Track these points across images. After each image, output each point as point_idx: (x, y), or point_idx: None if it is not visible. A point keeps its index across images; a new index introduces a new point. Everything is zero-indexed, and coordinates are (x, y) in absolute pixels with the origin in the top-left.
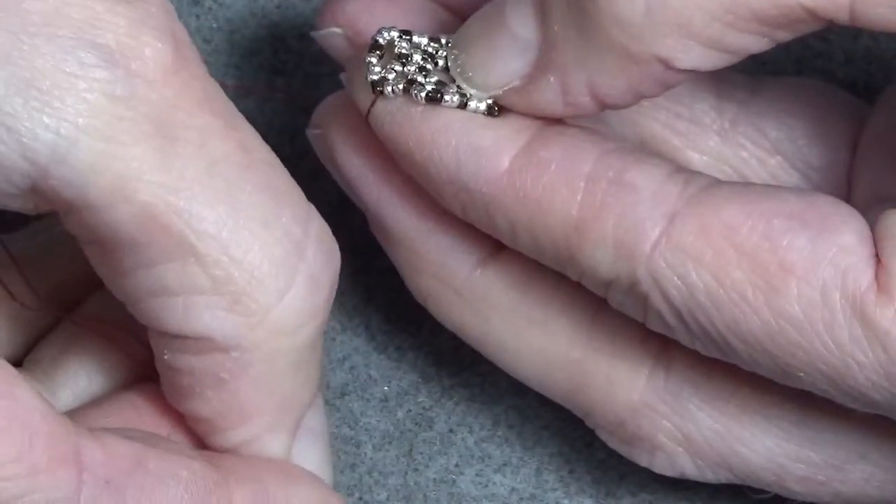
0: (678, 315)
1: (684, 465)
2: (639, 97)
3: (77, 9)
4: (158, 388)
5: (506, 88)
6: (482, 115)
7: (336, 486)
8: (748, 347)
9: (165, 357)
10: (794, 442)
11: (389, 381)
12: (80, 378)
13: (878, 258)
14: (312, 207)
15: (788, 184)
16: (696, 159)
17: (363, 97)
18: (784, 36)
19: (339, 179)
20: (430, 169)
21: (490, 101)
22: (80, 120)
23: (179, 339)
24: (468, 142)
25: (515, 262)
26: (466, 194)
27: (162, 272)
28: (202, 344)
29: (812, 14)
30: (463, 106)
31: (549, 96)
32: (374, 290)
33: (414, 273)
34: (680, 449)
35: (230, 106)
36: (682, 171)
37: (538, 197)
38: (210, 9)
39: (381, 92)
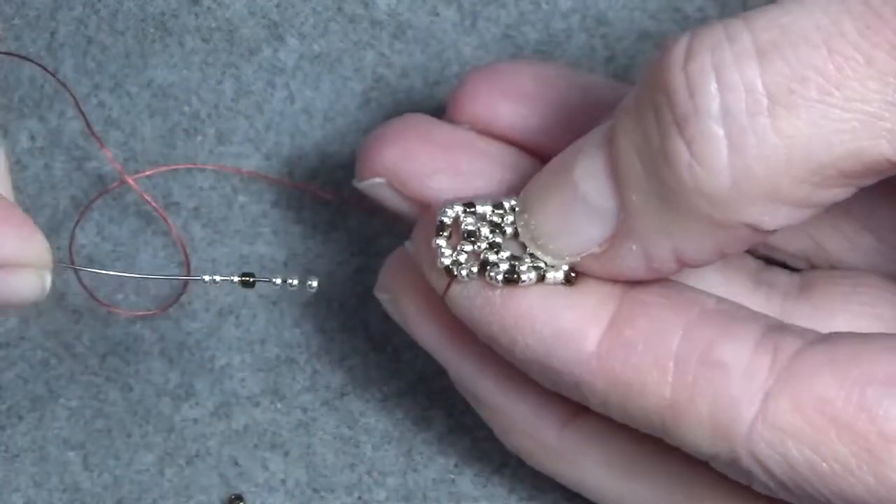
0: (783, 486)
1: None
2: (724, 256)
3: None
4: None
5: (583, 255)
6: (561, 287)
7: (335, 486)
8: None
9: None
10: None
11: (388, 382)
12: None
13: None
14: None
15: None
16: None
17: (438, 280)
18: (870, 182)
19: (416, 339)
20: (515, 353)
21: (566, 269)
22: None
23: None
24: (552, 326)
25: (605, 417)
26: (555, 375)
27: None
28: None
29: None
30: (541, 279)
31: (631, 263)
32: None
33: (503, 432)
34: None
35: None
36: (770, 333)
37: (628, 379)
38: (210, 9)
39: (456, 276)
